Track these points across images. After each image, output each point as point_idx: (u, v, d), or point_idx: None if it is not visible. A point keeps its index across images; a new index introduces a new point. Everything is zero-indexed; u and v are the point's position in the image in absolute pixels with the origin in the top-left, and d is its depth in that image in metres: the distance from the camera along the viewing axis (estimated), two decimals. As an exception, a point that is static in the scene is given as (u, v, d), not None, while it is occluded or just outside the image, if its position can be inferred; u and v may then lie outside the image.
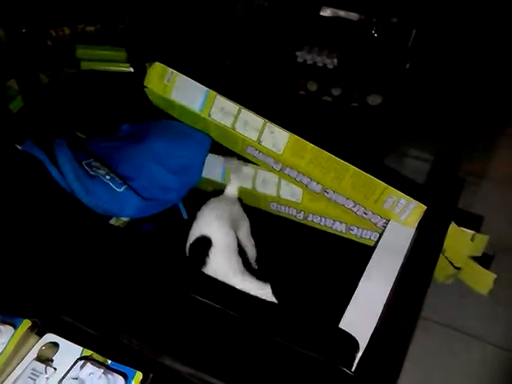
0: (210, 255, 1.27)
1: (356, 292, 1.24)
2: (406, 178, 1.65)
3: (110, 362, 0.89)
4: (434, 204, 1.35)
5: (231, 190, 1.55)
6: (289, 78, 2.75)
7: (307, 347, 0.90)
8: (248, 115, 1.55)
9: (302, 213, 1.65)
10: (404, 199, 1.44)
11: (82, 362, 0.84)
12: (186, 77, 1.58)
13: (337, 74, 2.65)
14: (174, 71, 1.59)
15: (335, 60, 2.68)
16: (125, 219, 1.62)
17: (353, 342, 0.93)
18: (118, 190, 1.38)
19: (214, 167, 1.71)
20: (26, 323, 0.96)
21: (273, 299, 1.21)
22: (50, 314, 0.98)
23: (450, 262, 1.45)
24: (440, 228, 1.31)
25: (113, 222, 1.59)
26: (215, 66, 2.95)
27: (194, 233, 1.37)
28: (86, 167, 1.40)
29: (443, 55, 2.62)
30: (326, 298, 1.36)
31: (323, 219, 1.62)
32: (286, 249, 1.64)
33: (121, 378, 0.86)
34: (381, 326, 1.06)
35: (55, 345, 0.92)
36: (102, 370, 0.82)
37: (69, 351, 0.91)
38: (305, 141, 1.51)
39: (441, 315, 1.95)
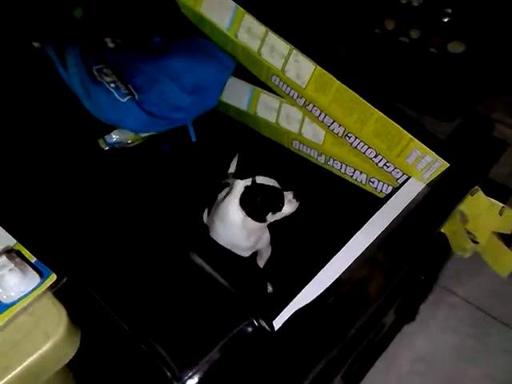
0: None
1: (346, 245, 1.13)
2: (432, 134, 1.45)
3: (35, 259, 0.89)
4: (457, 163, 1.16)
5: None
6: (367, 13, 2.50)
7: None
8: (275, 40, 1.42)
9: (323, 156, 1.52)
10: (429, 156, 1.26)
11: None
12: (214, -12, 1.46)
13: (419, 13, 2.36)
14: (204, -20, 1.47)
15: (422, -3, 2.37)
16: (144, 135, 1.58)
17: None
18: (120, 99, 1.34)
19: (240, 94, 1.61)
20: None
21: None
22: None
23: (470, 235, 1.27)
24: (453, 188, 1.13)
25: (130, 136, 1.56)
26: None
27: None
28: (96, 72, 1.37)
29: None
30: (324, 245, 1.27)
31: (344, 166, 1.49)
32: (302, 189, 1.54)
33: (36, 275, 0.85)
34: (344, 284, 0.95)
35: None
36: (13, 265, 0.81)
37: (2, 242, 0.91)
38: (330, 75, 1.36)
39: (470, 293, 1.78)
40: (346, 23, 2.53)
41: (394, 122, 1.30)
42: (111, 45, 1.84)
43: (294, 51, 1.39)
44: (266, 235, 1.25)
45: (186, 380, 0.68)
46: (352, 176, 1.48)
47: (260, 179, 1.12)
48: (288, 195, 1.14)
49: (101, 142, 1.54)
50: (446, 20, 2.27)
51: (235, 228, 1.12)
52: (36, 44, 1.40)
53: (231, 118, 1.68)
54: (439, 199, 1.15)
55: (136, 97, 1.39)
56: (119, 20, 1.74)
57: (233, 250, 1.20)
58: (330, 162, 1.51)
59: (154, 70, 1.46)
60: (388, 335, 1.44)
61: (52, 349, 0.82)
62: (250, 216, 1.10)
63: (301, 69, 1.39)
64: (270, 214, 1.12)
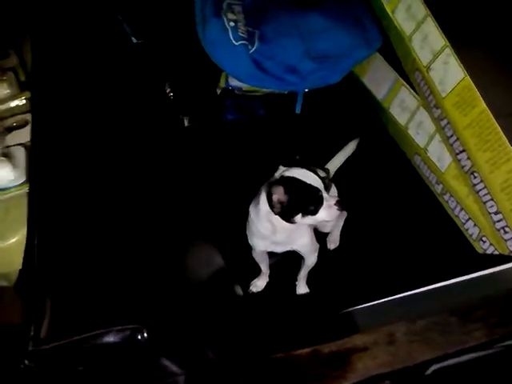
0: None
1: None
2: None
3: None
4: None
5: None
6: None
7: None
8: (432, 28, 1.14)
9: (441, 186, 1.23)
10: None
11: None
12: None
13: None
14: None
15: None
16: (265, 90, 1.43)
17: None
18: (233, 41, 1.21)
19: (380, 80, 1.36)
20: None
21: None
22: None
23: None
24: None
25: (250, 87, 1.43)
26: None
27: None
28: (224, 6, 1.26)
29: None
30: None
31: (458, 208, 1.18)
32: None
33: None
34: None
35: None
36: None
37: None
38: (478, 94, 1.05)
39: None
40: None
41: (533, 182, 0.96)
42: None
43: (448, 50, 1.10)
44: (305, 239, 1.03)
45: (40, 348, 0.65)
46: (464, 224, 1.18)
47: (300, 173, 0.91)
48: (329, 200, 0.91)
49: (223, 76, 1.43)
50: None
51: (262, 218, 0.95)
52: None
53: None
54: None
55: (255, 45, 1.25)
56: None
57: (264, 242, 1.03)
58: (446, 197, 1.22)
59: (288, 20, 1.30)
60: None
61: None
62: (273, 211, 0.91)
63: (447, 73, 1.11)
64: (299, 215, 0.91)
